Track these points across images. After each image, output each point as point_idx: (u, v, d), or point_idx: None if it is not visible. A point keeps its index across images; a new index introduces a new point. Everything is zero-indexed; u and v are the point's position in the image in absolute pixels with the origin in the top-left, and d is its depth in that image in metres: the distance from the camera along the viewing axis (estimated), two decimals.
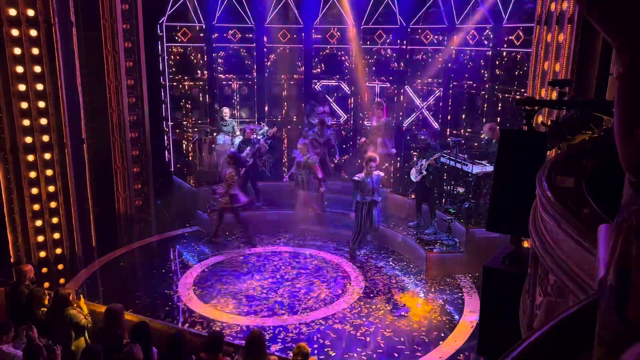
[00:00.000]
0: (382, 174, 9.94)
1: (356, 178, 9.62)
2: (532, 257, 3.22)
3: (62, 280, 9.03)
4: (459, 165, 9.99)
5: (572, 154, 3.97)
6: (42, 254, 9.06)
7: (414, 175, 10.30)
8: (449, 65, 11.53)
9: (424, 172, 10.14)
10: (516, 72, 10.31)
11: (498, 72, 10.70)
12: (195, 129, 12.63)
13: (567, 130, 4.12)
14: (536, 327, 2.78)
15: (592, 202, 2.77)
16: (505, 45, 10.44)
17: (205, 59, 12.55)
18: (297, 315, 8.06)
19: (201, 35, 12.42)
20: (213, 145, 12.04)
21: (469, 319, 8.03)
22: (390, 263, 9.82)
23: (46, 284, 8.67)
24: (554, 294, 2.61)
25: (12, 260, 8.81)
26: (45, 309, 6.36)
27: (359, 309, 8.32)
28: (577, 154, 3.94)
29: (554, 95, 6.51)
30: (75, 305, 6.16)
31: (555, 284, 2.64)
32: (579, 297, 2.32)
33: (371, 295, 8.85)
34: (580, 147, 4.07)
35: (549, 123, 4.58)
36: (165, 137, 12.56)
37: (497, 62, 10.67)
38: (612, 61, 5.12)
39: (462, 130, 11.54)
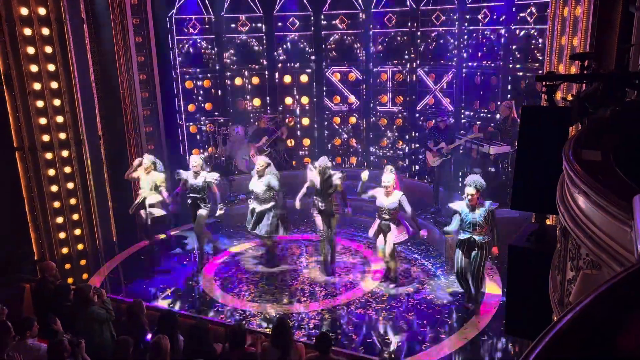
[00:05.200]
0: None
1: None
2: (562, 233, 3.19)
3: (85, 276, 9.14)
4: (474, 147, 9.94)
5: (596, 128, 3.92)
6: (65, 250, 9.17)
7: (432, 160, 10.20)
8: (461, 45, 11.39)
9: (448, 156, 10.04)
10: (531, 49, 10.17)
11: (511, 50, 10.56)
12: (208, 122, 12.63)
13: (590, 104, 4.06)
14: (572, 300, 2.76)
15: (621, 173, 2.73)
16: (518, 23, 10.28)
17: (216, 50, 12.53)
18: (319, 302, 8.09)
19: (210, 26, 12.39)
20: (227, 136, 12.06)
21: (491, 300, 8.01)
22: (409, 247, 9.78)
23: (70, 280, 8.79)
24: (588, 267, 2.59)
25: (35, 257, 8.93)
26: (69, 304, 6.45)
27: (380, 293, 8.34)
28: (600, 127, 3.88)
29: (573, 70, 6.40)
30: (96, 300, 6.22)
31: (588, 257, 2.61)
32: (613, 268, 2.30)
33: (392, 279, 8.85)
34: (603, 121, 4.00)
35: (570, 98, 4.51)
36: (180, 130, 12.60)
37: (510, 40, 10.52)
38: (633, 31, 5.02)
39: (476, 111, 11.43)
